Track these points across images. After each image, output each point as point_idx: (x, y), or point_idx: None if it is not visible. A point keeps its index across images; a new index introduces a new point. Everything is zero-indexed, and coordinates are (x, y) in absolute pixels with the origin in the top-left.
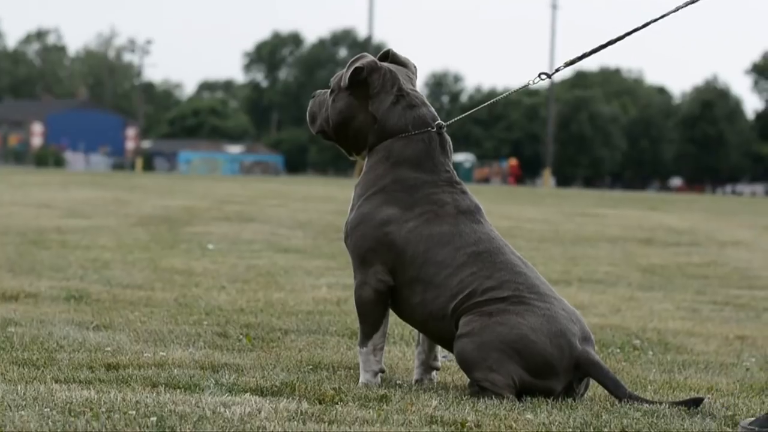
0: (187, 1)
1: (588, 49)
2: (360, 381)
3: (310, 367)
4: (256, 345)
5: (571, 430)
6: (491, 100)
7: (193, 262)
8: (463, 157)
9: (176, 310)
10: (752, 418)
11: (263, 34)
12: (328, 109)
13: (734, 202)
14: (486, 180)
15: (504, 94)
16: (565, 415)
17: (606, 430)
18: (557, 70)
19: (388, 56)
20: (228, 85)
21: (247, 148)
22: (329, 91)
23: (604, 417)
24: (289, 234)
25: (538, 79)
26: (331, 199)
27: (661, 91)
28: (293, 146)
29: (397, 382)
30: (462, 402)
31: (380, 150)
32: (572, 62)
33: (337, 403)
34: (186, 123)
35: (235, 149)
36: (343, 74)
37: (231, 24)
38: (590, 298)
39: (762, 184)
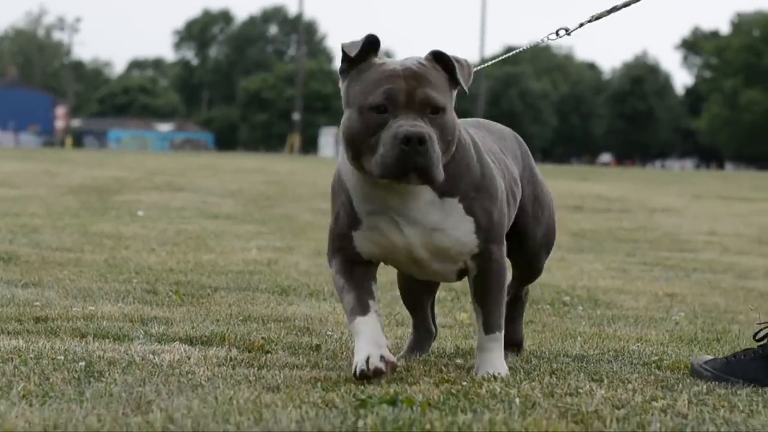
0: None
1: (619, 3)
2: (502, 371)
3: (240, 319)
4: (185, 300)
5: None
6: (508, 54)
7: (123, 227)
8: None
9: (106, 269)
10: (709, 357)
11: (193, 11)
12: (450, 131)
13: (664, 175)
14: None
15: (519, 49)
16: None
17: (536, 373)
18: (581, 25)
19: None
20: (158, 63)
21: (177, 126)
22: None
23: (533, 362)
24: (220, 202)
25: (555, 36)
26: (262, 171)
27: (591, 67)
28: (223, 124)
29: (328, 333)
30: (390, 350)
31: None
32: (598, 17)
33: (267, 352)
34: (116, 101)
35: (165, 127)
36: (465, 70)
37: (161, 2)
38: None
39: (691, 159)
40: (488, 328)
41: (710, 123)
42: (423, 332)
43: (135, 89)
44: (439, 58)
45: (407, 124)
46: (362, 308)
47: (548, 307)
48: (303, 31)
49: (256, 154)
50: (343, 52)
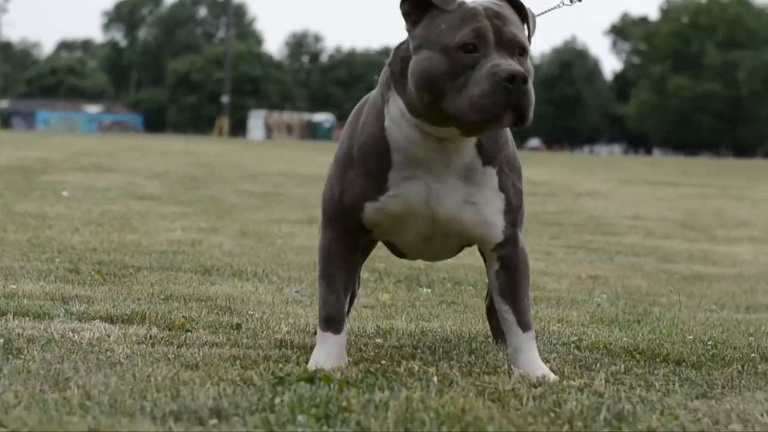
0: None
1: None
2: (549, 374)
3: (162, 298)
4: (108, 280)
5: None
6: (552, 7)
7: (47, 207)
8: (323, 117)
9: (28, 248)
10: None
11: None
12: (532, 74)
13: (592, 160)
14: None
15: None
16: (414, 339)
17: (455, 352)
18: None
19: None
20: (87, 45)
21: (105, 107)
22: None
23: (453, 341)
24: (146, 183)
25: (568, 1)
26: (190, 153)
27: None
28: (152, 106)
29: (249, 312)
30: (312, 329)
31: None
32: None
33: (187, 331)
34: (44, 82)
35: (93, 109)
36: (534, 20)
37: None
38: None
39: (620, 144)
40: (525, 324)
41: (638, 109)
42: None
43: (63, 70)
44: (512, 2)
45: (505, 62)
46: (338, 324)
47: (471, 288)
48: (232, 13)
49: (185, 137)
50: None
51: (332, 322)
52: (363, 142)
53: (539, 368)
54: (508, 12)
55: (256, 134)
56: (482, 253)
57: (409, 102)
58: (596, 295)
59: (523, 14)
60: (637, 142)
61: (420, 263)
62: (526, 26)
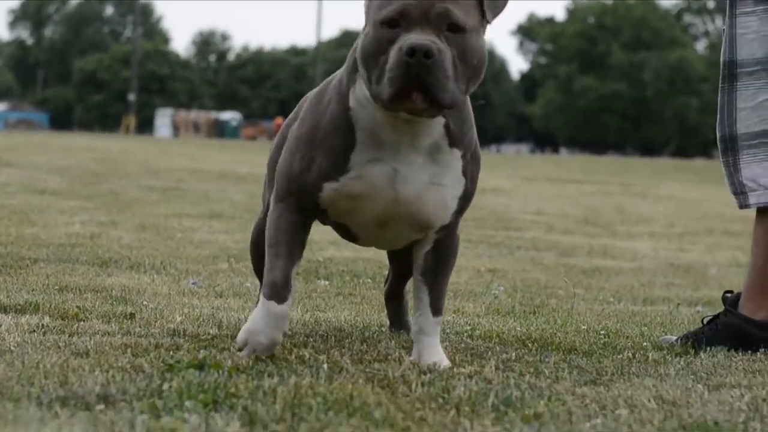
0: None
1: None
2: (445, 361)
3: (57, 289)
4: (2, 271)
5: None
6: None
7: None
8: (230, 116)
9: None
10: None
11: None
12: (474, 54)
13: (497, 158)
14: (253, 138)
15: None
16: (307, 329)
17: (347, 341)
18: None
19: None
20: None
21: (11, 105)
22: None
23: (347, 330)
24: (47, 178)
25: None
26: (93, 149)
27: None
28: (59, 104)
29: (144, 303)
30: (206, 319)
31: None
32: None
33: (81, 320)
34: None
35: None
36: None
37: None
38: None
39: (527, 144)
40: (437, 309)
41: (545, 108)
42: None
43: None
44: None
45: (417, 37)
46: (281, 293)
47: (369, 280)
48: (139, 12)
49: (91, 134)
50: None
51: (276, 290)
52: (327, 120)
53: (436, 355)
54: None
55: (163, 132)
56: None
57: (366, 85)
58: (494, 288)
59: None
60: (544, 141)
61: (319, 256)
62: (479, 6)
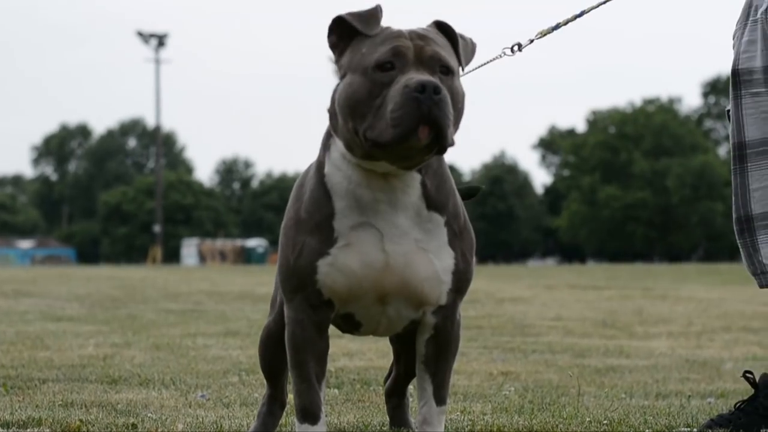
0: None
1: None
2: None
3: (61, 405)
4: (10, 392)
5: None
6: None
7: None
8: (256, 243)
9: None
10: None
11: (51, 126)
12: (460, 98)
13: (521, 270)
14: None
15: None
16: (335, 418)
17: None
18: (531, 42)
19: None
20: (17, 180)
21: (38, 242)
22: (434, 78)
23: (348, 430)
24: (65, 305)
25: (509, 51)
26: (114, 278)
27: (451, 169)
28: (85, 239)
29: (149, 415)
30: (207, 427)
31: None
32: (546, 33)
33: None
34: None
35: (26, 244)
36: (468, 47)
37: (17, 117)
38: (359, 345)
39: (553, 257)
40: (441, 398)
41: (570, 220)
42: (276, 408)
43: None
44: (442, 28)
45: (419, 75)
46: (314, 414)
47: (379, 387)
48: (161, 143)
49: (118, 266)
50: (343, 24)
51: (308, 413)
52: (307, 197)
53: None
54: (435, 35)
55: (189, 262)
56: (415, 321)
57: (344, 137)
58: (505, 389)
59: (453, 40)
60: (571, 254)
61: (331, 366)
62: (456, 52)
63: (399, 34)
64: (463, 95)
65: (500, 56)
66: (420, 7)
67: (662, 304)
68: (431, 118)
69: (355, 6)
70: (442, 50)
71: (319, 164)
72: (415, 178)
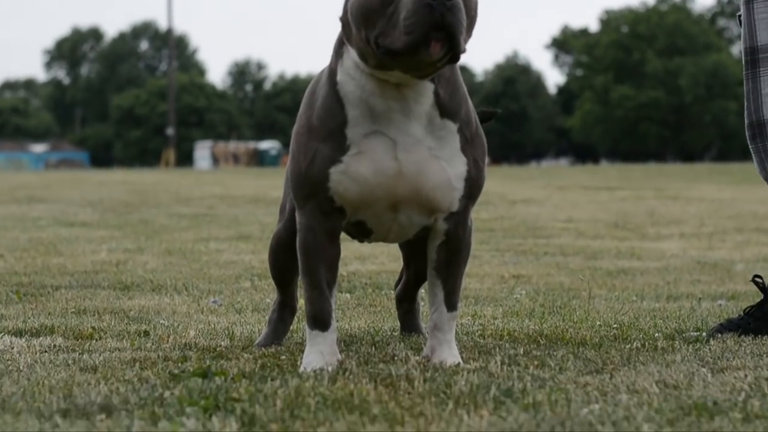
0: None
1: None
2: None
3: (74, 312)
4: (23, 299)
5: None
6: None
7: None
8: (270, 145)
9: None
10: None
11: (62, 30)
12: (473, 4)
13: (534, 171)
14: None
15: None
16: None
17: (356, 345)
18: None
19: None
20: (29, 84)
21: (51, 146)
22: None
23: (359, 335)
24: (78, 211)
25: None
26: (127, 182)
27: (463, 70)
28: (98, 142)
29: (161, 322)
30: (219, 333)
31: None
32: None
33: (94, 339)
34: None
35: (39, 148)
36: None
37: (29, 22)
38: (371, 249)
39: (566, 158)
40: (452, 304)
41: (583, 120)
42: (287, 314)
43: (7, 111)
44: None
45: None
46: (325, 321)
47: (391, 291)
48: (173, 45)
49: (131, 170)
50: None
51: (319, 319)
52: (319, 104)
53: (450, 355)
54: None
55: (202, 165)
56: (426, 227)
57: (357, 47)
58: (516, 292)
59: None
60: (585, 154)
61: (343, 270)
62: None
63: None
64: (476, 2)
65: None
66: None
67: (674, 205)
68: (444, 24)
69: None
70: None
71: (332, 72)
72: (428, 87)
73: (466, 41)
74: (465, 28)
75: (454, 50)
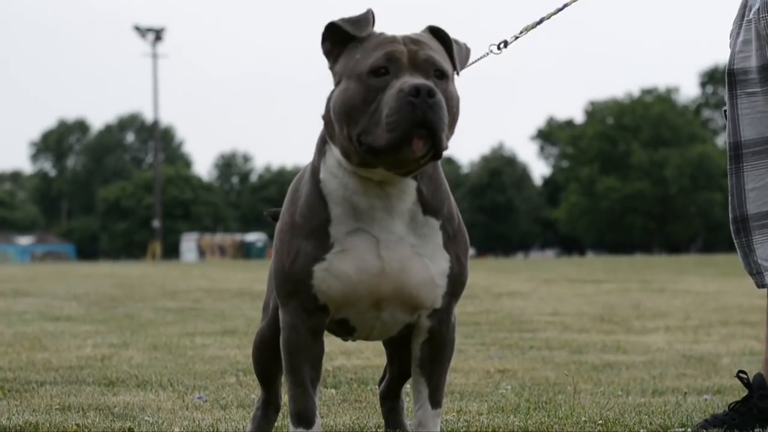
0: None
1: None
2: None
3: (58, 408)
4: (8, 395)
5: None
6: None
7: None
8: (255, 237)
9: None
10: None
11: (49, 122)
12: (454, 102)
13: (519, 263)
14: None
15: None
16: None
17: None
18: (516, 38)
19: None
20: (15, 176)
21: (37, 238)
22: (428, 81)
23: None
24: (63, 305)
25: (496, 49)
26: (113, 275)
27: (449, 162)
28: (84, 234)
29: (145, 419)
30: (204, 430)
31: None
32: (530, 28)
33: None
34: None
35: (25, 240)
36: (462, 52)
37: (15, 113)
38: (356, 344)
39: (552, 249)
40: (436, 402)
41: (569, 212)
42: (271, 412)
43: None
44: (436, 33)
45: (414, 79)
46: (309, 418)
47: (376, 387)
48: (159, 137)
49: (117, 263)
50: (336, 30)
51: (302, 417)
52: (302, 202)
53: None
54: (429, 40)
55: (189, 257)
56: (409, 324)
57: (340, 144)
58: (502, 387)
59: (447, 45)
60: (570, 245)
61: (328, 365)
62: (450, 57)
63: (392, 40)
64: (458, 99)
65: (487, 54)
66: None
67: (660, 298)
68: (426, 121)
69: (350, 10)
70: (436, 54)
71: (314, 169)
72: (411, 184)
73: (448, 138)
74: (447, 125)
75: (436, 147)
